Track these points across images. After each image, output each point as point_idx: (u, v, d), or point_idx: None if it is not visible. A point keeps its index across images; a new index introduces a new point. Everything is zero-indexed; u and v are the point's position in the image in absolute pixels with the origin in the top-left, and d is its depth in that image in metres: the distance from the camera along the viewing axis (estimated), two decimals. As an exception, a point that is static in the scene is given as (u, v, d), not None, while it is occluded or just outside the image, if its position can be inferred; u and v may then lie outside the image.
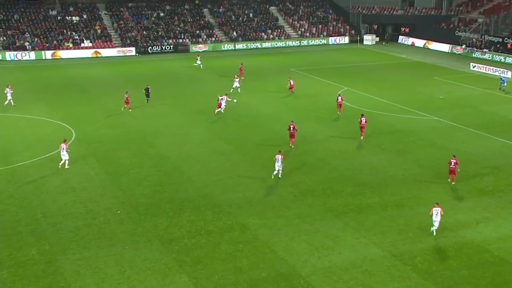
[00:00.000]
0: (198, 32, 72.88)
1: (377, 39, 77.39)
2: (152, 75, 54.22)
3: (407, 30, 77.24)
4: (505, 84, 45.77)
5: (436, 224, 22.08)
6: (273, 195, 25.83)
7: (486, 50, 62.00)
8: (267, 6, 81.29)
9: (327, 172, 28.41)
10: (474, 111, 39.44)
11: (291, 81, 44.38)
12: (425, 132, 34.64)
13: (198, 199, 25.48)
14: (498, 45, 61.96)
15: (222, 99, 38.63)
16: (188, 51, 69.27)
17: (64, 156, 28.74)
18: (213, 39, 72.37)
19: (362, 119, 32.97)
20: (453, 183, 26.76)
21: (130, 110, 39.41)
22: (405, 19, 78.20)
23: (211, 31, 73.51)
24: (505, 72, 51.30)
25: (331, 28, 79.15)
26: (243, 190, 26.45)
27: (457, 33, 69.44)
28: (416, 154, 30.78)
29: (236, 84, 44.70)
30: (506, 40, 62.33)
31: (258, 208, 24.67)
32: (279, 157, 27.18)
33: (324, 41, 76.15)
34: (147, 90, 42.01)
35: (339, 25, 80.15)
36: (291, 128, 31.70)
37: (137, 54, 67.80)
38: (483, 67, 54.63)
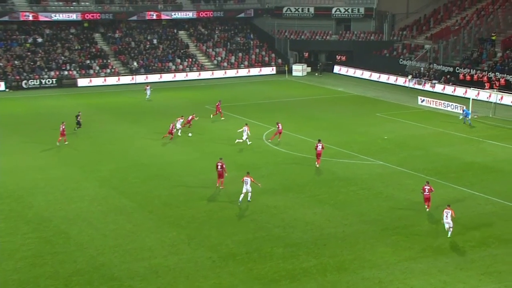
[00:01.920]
0: (88, 62, 72.86)
1: (309, 69, 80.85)
2: (29, 116, 53.39)
3: (343, 58, 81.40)
4: (469, 117, 49.31)
5: (447, 226, 28.23)
6: (186, 262, 26.02)
7: (436, 82, 66.63)
8: (175, 31, 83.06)
9: (253, 231, 29.04)
10: (425, 154, 41.83)
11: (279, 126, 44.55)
12: (369, 180, 36.26)
13: (90, 272, 25.21)
14: (448, 76, 66.76)
15: (243, 130, 43.04)
16: (76, 86, 68.95)
17: None
18: (108, 70, 72.60)
19: (318, 145, 38.10)
20: (427, 209, 31.39)
21: (67, 143, 43.14)
22: (341, 45, 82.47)
23: (105, 61, 73.72)
24: (457, 106, 55.22)
25: (253, 56, 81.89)
26: (149, 257, 26.49)
27: (401, 61, 74.13)
28: (359, 207, 32.05)
29: (178, 125, 45.79)
30: (457, 69, 67.43)
31: (167, 279, 24.76)
32: (247, 179, 31.78)
33: (245, 72, 78.53)
34: (77, 117, 46.36)
35: (263, 53, 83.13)
36: (219, 167, 33.94)
37: (7, 90, 66.58)
38: (432, 101, 58.48)
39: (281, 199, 33.14)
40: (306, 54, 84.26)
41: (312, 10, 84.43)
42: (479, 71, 64.25)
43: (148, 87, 61.42)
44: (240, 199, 32.16)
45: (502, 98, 56.67)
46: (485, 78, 62.45)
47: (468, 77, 64.63)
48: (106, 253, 26.70)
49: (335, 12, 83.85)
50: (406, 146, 43.84)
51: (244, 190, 32.09)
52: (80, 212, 31.14)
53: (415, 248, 27.30)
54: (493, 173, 37.53)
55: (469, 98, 54.76)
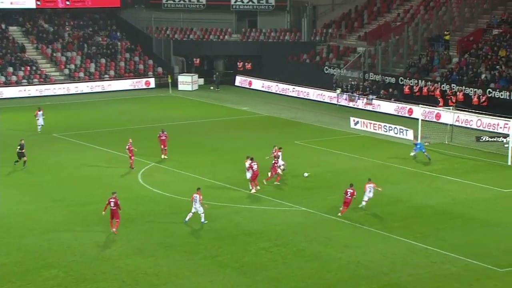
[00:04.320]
0: None
1: (201, 81, 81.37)
2: None
3: (248, 66, 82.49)
4: (424, 150, 49.77)
5: (366, 199, 38.16)
6: None
7: (373, 97, 68.51)
8: (3, 26, 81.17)
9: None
10: (361, 195, 42.75)
11: (277, 152, 45.46)
12: (286, 233, 36.39)
13: None
14: (390, 89, 68.85)
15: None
16: None
17: None
18: None
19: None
20: (339, 214, 37.51)
21: None
22: (245, 48, 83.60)
23: None
24: (403, 130, 56.85)
25: (122, 64, 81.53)
26: None
27: (327, 70, 75.90)
28: (273, 271, 32.00)
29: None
30: (401, 80, 69.70)
31: None
32: (196, 196, 36.24)
33: (111, 86, 77.85)
34: (21, 147, 47.19)
35: (136, 58, 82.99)
36: (112, 204, 35.99)
37: None
38: (369, 123, 59.75)
39: (164, 262, 32.78)
40: (197, 61, 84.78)
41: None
42: (429, 83, 66.72)
43: (40, 112, 57.70)
44: (187, 218, 36.84)
45: (458, 118, 58.46)
46: (437, 92, 64.84)
47: (416, 91, 66.93)
48: None
49: (235, 2, 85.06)
50: (335, 185, 44.43)
51: (193, 210, 36.67)
52: None
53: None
54: (451, 220, 38.54)
55: (418, 119, 56.47)
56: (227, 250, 34.38)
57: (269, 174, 44.29)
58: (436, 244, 34.81)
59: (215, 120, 64.28)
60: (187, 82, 79.31)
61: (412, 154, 50.27)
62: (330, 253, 34.02)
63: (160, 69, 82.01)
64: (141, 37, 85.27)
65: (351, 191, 38.25)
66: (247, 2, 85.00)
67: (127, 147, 47.46)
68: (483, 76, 64.68)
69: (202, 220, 37.14)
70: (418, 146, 50.08)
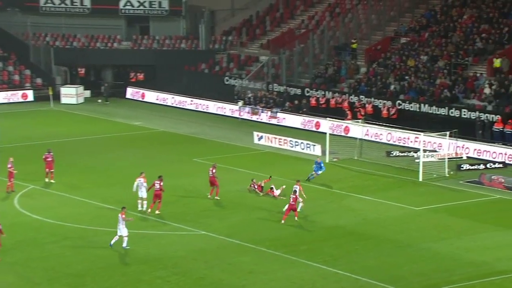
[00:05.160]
0: None
1: (88, 93, 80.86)
2: None
3: (140, 76, 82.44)
4: (319, 172, 50.06)
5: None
6: None
7: (278, 110, 69.33)
8: None
9: None
10: (266, 216, 43.10)
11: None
12: (185, 260, 36.50)
13: None
14: (296, 101, 69.80)
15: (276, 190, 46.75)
16: None
17: None
18: None
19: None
20: (296, 219, 41.36)
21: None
22: (136, 57, 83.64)
23: None
24: (310, 145, 57.78)
25: (-6, 74, 79.96)
26: None
27: (227, 81, 76.47)
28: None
29: None
30: (307, 91, 70.71)
31: None
32: (120, 217, 37.06)
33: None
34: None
35: (10, 68, 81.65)
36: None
37: None
38: (274, 138, 60.46)
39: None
40: (82, 71, 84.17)
41: (88, 3, 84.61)
42: (337, 94, 68.07)
43: None
44: (112, 242, 37.22)
45: (368, 132, 59.74)
46: (345, 104, 66.22)
47: (322, 102, 68.13)
48: None
49: (124, 6, 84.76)
50: (239, 205, 45.08)
51: (118, 233, 37.18)
52: None
53: None
54: (362, 242, 39.39)
55: (326, 133, 57.44)
56: (118, 280, 34.06)
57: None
58: (347, 268, 35.41)
59: (104, 136, 63.98)
60: (71, 94, 78.56)
61: (310, 177, 50.12)
62: (233, 281, 34.20)
63: (39, 80, 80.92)
64: (16, 44, 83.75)
65: (296, 192, 41.95)
66: (138, 7, 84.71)
67: (8, 166, 46.69)
68: (392, 87, 66.47)
69: (124, 244, 37.26)
70: (319, 165, 50.04)
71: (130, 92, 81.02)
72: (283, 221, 41.46)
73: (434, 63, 66.96)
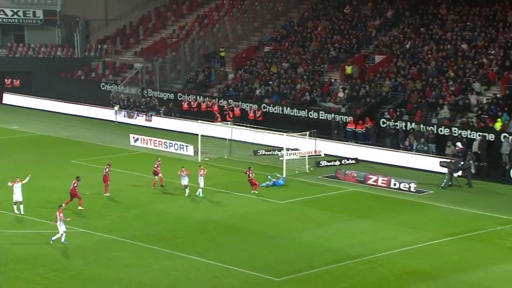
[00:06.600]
0: None
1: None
2: None
3: (16, 83, 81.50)
4: (280, 183, 50.34)
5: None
6: None
7: (152, 113, 70.19)
8: None
9: None
10: (143, 213, 43.74)
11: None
12: (63, 256, 36.28)
13: None
14: (171, 104, 70.80)
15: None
16: None
17: None
18: None
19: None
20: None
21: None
22: (12, 64, 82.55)
23: None
24: (183, 146, 58.93)
25: None
26: None
27: (103, 86, 76.81)
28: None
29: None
30: (179, 96, 71.97)
31: None
32: (58, 215, 37.18)
33: None
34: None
35: None
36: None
37: None
38: (149, 140, 61.40)
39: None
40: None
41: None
42: (207, 98, 69.48)
43: None
44: (53, 238, 37.39)
45: (236, 133, 60.77)
46: (215, 108, 67.72)
47: (194, 106, 69.45)
48: None
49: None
50: (116, 204, 45.53)
51: (61, 231, 37.38)
52: None
53: None
54: (232, 234, 40.55)
55: (198, 135, 58.61)
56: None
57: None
58: (218, 259, 36.21)
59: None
60: None
61: (268, 183, 50.55)
62: (111, 275, 34.26)
63: None
64: None
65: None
66: (12, 16, 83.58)
67: None
68: (257, 91, 68.33)
69: (62, 240, 37.50)
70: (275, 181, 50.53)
71: (7, 98, 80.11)
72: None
73: (294, 70, 69.35)
